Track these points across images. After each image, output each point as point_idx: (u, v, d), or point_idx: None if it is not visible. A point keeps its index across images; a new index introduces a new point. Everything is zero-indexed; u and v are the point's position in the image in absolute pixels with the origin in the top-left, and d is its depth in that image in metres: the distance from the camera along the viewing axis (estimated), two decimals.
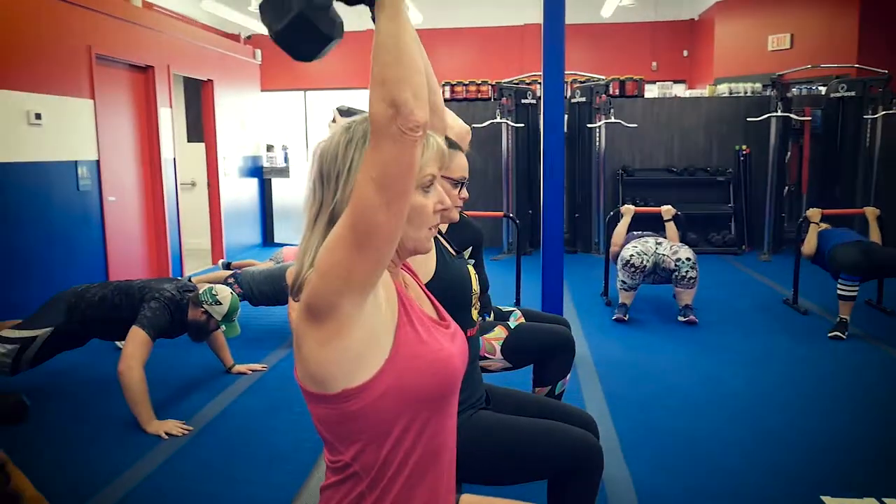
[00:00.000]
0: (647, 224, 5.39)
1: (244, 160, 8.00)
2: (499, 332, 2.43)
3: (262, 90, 8.57)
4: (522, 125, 7.25)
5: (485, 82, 7.93)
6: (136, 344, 2.96)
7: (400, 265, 1.21)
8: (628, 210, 5.07)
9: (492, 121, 7.17)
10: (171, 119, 6.18)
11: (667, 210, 4.97)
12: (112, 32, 5.34)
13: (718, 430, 2.93)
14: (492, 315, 2.57)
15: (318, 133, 11.71)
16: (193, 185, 7.63)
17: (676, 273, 4.45)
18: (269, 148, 8.79)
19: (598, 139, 7.25)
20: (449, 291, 1.63)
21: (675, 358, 3.90)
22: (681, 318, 4.55)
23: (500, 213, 5.24)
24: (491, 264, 6.83)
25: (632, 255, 4.50)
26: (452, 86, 7.95)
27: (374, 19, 0.98)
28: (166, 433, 2.84)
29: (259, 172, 8.50)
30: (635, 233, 4.94)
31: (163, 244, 6.09)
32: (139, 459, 2.67)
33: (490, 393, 1.84)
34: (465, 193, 1.77)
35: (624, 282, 4.58)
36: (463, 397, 1.67)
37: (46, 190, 4.68)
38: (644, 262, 4.46)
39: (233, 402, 3.28)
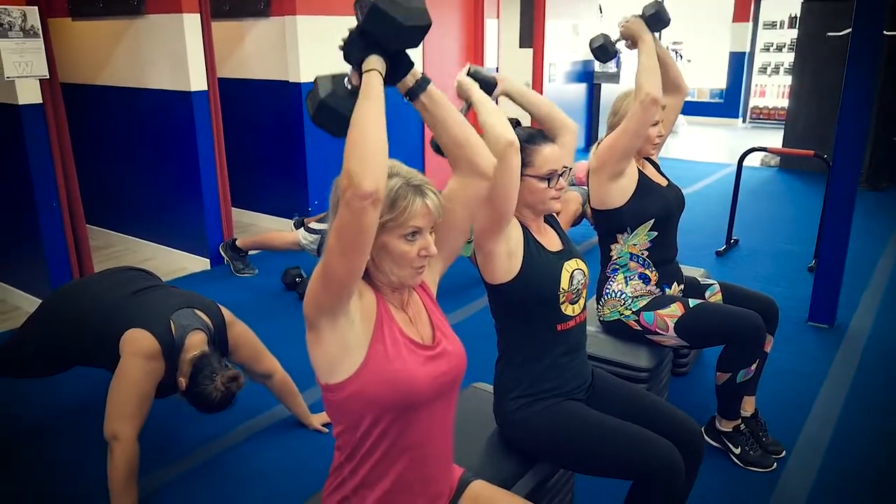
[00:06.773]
0: None
1: (573, 65, 8.08)
2: (674, 310, 2.32)
3: None
4: (894, 33, 5.87)
5: None
6: None
7: (394, 289, 1.36)
8: None
9: (849, 30, 5.92)
10: (497, 29, 6.54)
11: None
12: None
13: None
14: (673, 288, 2.43)
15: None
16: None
17: None
18: None
19: None
20: (532, 288, 1.69)
21: None
22: None
23: (811, 153, 4.48)
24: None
25: None
26: None
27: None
28: None
29: (589, 77, 8.50)
30: None
31: None
32: None
33: (598, 383, 1.85)
34: (562, 183, 1.70)
35: None
36: (550, 385, 1.75)
37: None
38: None
39: None
